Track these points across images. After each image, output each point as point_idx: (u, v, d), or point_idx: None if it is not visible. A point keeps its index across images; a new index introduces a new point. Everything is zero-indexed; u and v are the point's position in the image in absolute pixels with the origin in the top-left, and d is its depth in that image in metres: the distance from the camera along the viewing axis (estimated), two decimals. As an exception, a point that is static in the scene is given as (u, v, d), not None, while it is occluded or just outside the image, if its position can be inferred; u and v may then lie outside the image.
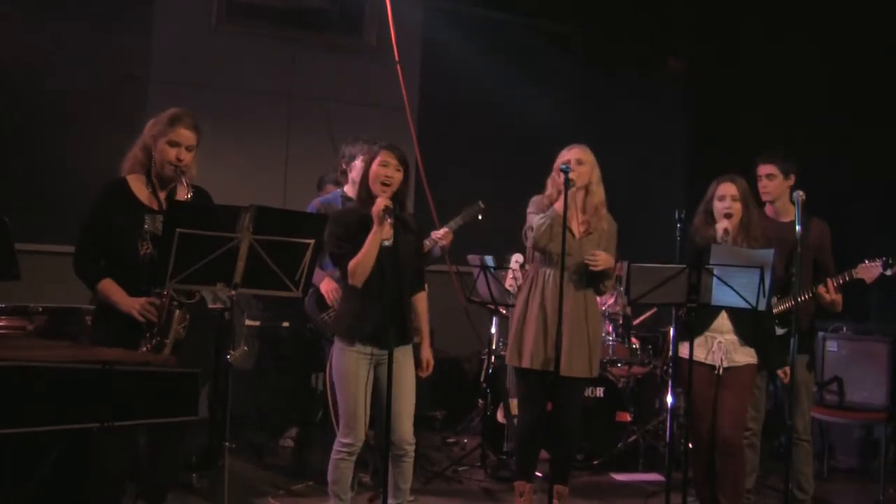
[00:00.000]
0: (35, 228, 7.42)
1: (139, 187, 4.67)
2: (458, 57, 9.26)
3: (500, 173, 9.02)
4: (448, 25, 9.26)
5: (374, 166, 5.03)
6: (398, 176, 5.03)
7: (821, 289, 5.80)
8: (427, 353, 5.27)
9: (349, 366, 5.01)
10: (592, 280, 5.64)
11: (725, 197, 5.53)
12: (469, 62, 9.29)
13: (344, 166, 6.35)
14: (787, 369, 5.62)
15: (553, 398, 5.49)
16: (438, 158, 8.41)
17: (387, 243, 4.91)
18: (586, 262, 5.49)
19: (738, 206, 5.52)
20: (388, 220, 4.88)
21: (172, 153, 4.62)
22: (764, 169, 6.13)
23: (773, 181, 6.09)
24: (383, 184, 4.97)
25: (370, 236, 4.88)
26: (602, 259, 5.51)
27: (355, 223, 5.02)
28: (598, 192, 5.68)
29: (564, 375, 5.43)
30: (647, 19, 10.02)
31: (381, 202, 4.88)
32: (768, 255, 5.17)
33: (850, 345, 7.56)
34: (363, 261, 4.89)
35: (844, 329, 7.67)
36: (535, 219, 5.60)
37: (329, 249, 5.07)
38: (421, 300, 5.30)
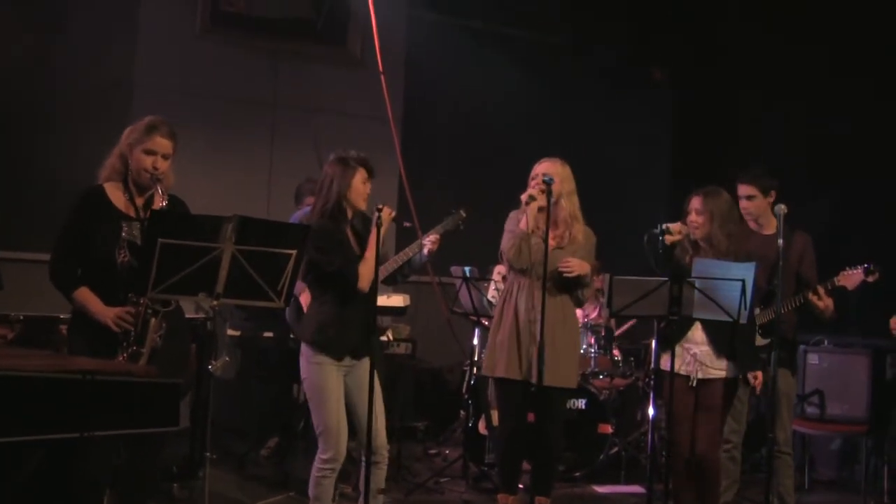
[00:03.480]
0: (17, 236, 7.40)
1: (116, 195, 4.66)
2: (442, 67, 9.27)
3: (484, 184, 9.02)
4: (432, 36, 9.27)
5: (358, 183, 5.09)
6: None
7: (812, 296, 5.83)
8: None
9: (329, 381, 5.03)
10: (569, 290, 5.68)
11: (691, 211, 5.58)
12: (453, 73, 9.31)
13: None
14: (759, 374, 5.63)
15: (534, 408, 5.49)
16: (421, 168, 8.43)
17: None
18: (560, 269, 5.52)
19: (700, 220, 5.53)
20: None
21: (149, 161, 4.60)
22: (744, 189, 6.12)
23: (753, 201, 6.08)
24: (364, 200, 5.12)
25: (373, 241, 4.97)
26: (575, 265, 5.55)
27: (341, 238, 5.08)
28: (569, 205, 5.70)
29: (544, 386, 5.45)
30: (631, 30, 10.05)
31: (389, 211, 5.00)
32: (750, 268, 5.18)
33: (831, 357, 7.58)
34: (371, 263, 4.94)
35: (826, 342, 7.68)
36: (508, 237, 5.66)
37: (324, 261, 5.04)
38: None
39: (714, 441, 5.55)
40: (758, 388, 5.64)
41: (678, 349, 5.52)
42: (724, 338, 5.47)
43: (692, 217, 5.55)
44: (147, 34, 8.51)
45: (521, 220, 5.64)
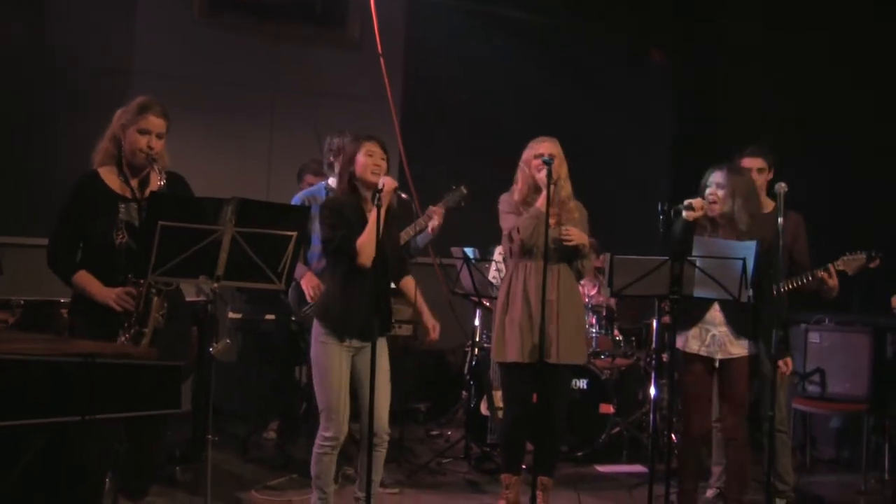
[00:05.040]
0: (17, 221, 7.40)
1: (111, 178, 4.66)
2: (442, 48, 9.26)
3: (484, 165, 8.96)
4: (431, 17, 9.24)
5: (361, 157, 5.08)
6: (384, 165, 5.12)
7: (823, 274, 5.83)
8: (431, 320, 5.41)
9: (332, 360, 5.03)
10: (569, 262, 5.67)
11: (712, 184, 5.56)
12: (452, 54, 9.29)
13: (331, 159, 6.35)
14: (789, 360, 5.69)
15: (540, 388, 5.49)
16: (422, 150, 8.39)
17: None
18: (560, 238, 5.50)
19: (721, 195, 5.51)
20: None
21: (143, 141, 4.61)
22: (754, 162, 6.12)
23: (762, 174, 6.10)
24: (373, 173, 5.04)
25: (374, 215, 4.89)
26: (575, 234, 5.54)
27: (350, 210, 5.06)
28: (567, 187, 5.70)
29: (553, 363, 5.46)
30: (632, 11, 10.02)
31: (390, 182, 4.94)
32: (751, 246, 5.18)
33: (832, 336, 7.58)
34: (371, 238, 4.88)
35: (827, 321, 7.68)
36: (513, 219, 5.63)
37: (325, 236, 5.09)
38: (408, 284, 5.42)
39: (741, 415, 5.58)
40: (786, 373, 5.69)
41: (695, 330, 5.54)
42: (743, 318, 5.49)
43: (712, 191, 5.52)
44: (145, 19, 8.50)
45: (539, 200, 5.55)
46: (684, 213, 5.39)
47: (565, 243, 5.53)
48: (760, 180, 6.09)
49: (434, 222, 5.92)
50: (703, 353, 5.52)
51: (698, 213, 5.43)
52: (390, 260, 5.09)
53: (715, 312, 5.52)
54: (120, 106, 4.80)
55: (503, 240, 5.81)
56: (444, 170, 8.69)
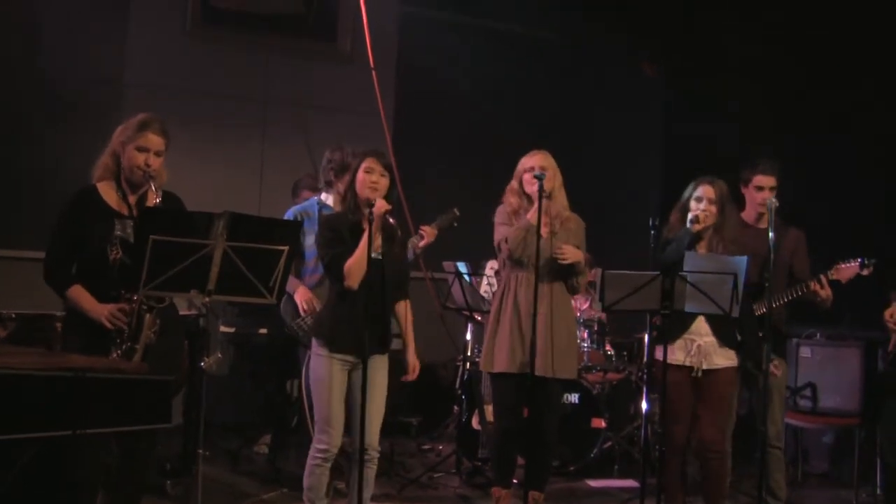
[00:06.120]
0: (9, 234, 7.37)
1: (109, 193, 4.67)
2: (434, 62, 9.25)
3: (477, 179, 9.00)
4: (423, 31, 9.26)
5: (360, 173, 5.08)
6: (384, 181, 5.09)
7: (815, 285, 5.85)
8: (413, 358, 5.32)
9: (327, 373, 5.03)
10: (564, 278, 5.66)
11: (702, 199, 5.58)
12: (444, 67, 9.30)
13: (331, 176, 6.32)
14: (777, 362, 5.72)
15: (531, 402, 5.49)
16: (414, 164, 8.40)
17: (375, 255, 4.92)
18: (554, 255, 5.50)
19: (713, 210, 5.55)
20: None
21: (141, 158, 4.61)
22: (767, 181, 6.09)
23: (773, 193, 6.09)
24: (370, 189, 5.02)
25: (365, 236, 4.90)
26: (570, 252, 5.53)
27: (347, 228, 5.07)
28: (560, 197, 5.72)
29: (542, 377, 5.45)
30: (624, 24, 10.03)
31: (381, 204, 4.92)
32: (741, 262, 5.20)
33: (823, 350, 7.57)
34: (359, 260, 4.90)
35: (818, 335, 7.68)
36: (506, 230, 5.63)
37: (320, 254, 5.13)
38: (400, 309, 5.34)
39: (723, 430, 5.61)
40: (778, 374, 5.72)
41: (681, 341, 5.56)
42: (728, 328, 5.52)
43: (705, 206, 5.56)
44: (137, 31, 8.48)
45: (529, 214, 5.58)
46: (691, 226, 5.47)
47: (560, 261, 5.53)
48: (771, 197, 6.06)
49: (424, 241, 5.91)
50: (687, 363, 5.54)
51: (703, 225, 5.49)
52: (390, 279, 5.08)
53: (701, 323, 5.56)
54: (111, 117, 4.83)
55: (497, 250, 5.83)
56: (435, 182, 8.72)
